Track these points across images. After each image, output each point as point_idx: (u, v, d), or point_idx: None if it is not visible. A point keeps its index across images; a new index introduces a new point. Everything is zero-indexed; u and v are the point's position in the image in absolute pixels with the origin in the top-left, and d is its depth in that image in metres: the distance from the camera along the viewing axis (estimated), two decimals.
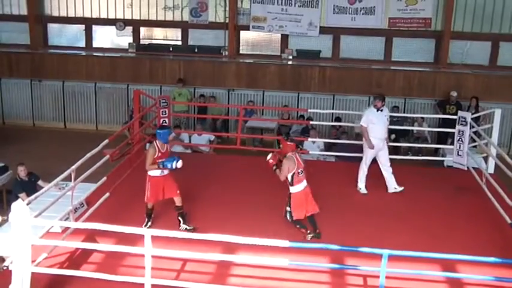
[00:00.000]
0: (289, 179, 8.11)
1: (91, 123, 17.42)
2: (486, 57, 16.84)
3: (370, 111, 10.03)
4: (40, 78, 17.32)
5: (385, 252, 6.16)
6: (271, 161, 8.41)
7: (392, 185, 10.06)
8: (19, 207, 6.34)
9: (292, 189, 8.18)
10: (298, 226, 8.29)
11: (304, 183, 8.21)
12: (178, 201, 8.37)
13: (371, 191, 10.18)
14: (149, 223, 8.45)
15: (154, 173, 8.25)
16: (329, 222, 8.79)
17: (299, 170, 8.12)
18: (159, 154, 8.21)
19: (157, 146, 8.25)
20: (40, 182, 10.25)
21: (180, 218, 8.41)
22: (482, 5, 16.54)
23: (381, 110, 9.88)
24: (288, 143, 8.32)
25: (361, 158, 12.90)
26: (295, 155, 8.18)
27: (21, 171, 10.19)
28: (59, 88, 17.29)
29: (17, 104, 17.52)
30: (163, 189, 8.32)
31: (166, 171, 8.28)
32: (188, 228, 8.29)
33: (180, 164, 8.12)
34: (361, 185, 10.14)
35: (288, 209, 8.27)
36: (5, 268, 7.22)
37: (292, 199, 8.19)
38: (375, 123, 9.86)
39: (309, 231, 8.27)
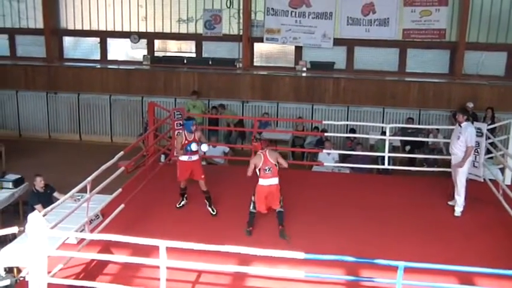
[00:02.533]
0: (257, 173, 8.78)
1: (106, 135, 17.52)
2: (502, 67, 16.74)
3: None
4: (56, 90, 17.47)
5: (401, 264, 6.14)
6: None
7: (458, 210, 9.58)
8: (35, 218, 6.40)
9: (259, 182, 8.76)
10: (248, 219, 8.85)
11: (270, 181, 8.71)
12: (202, 185, 9.49)
13: (387, 202, 10.13)
14: (182, 202, 9.69)
15: (182, 158, 9.43)
16: (344, 234, 8.79)
17: (266, 167, 8.68)
18: (186, 141, 9.31)
19: (184, 135, 9.43)
20: (56, 194, 10.30)
21: (206, 201, 9.53)
22: (497, 16, 16.48)
23: (460, 126, 9.57)
24: (254, 143, 9.63)
25: (375, 170, 12.96)
26: (263, 153, 8.78)
27: (40, 182, 10.24)
28: (74, 100, 17.43)
29: (33, 117, 17.69)
30: (191, 172, 9.47)
31: (194, 157, 9.45)
32: (212, 213, 9.44)
33: (203, 147, 9.48)
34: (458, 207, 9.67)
35: (252, 198, 8.88)
36: (21, 279, 7.27)
37: (256, 190, 8.81)
38: (452, 137, 9.88)
39: (249, 227, 8.78)
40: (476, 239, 8.74)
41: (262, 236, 8.53)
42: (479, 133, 11.09)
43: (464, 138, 9.35)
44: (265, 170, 8.70)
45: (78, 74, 17.47)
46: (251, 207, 8.87)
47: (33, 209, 9.51)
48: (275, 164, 8.75)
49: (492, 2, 16.44)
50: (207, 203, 9.52)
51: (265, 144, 8.99)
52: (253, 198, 8.86)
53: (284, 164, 8.92)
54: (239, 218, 9.31)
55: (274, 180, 8.74)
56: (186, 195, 9.74)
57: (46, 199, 10.03)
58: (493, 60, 16.74)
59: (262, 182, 8.73)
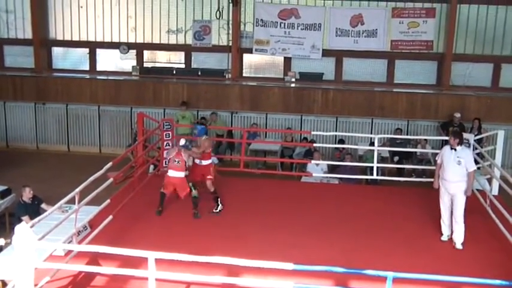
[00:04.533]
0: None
1: (94, 146, 17.42)
2: (488, 79, 16.89)
3: (445, 147, 9.14)
4: (44, 101, 17.36)
5: (390, 274, 6.13)
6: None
7: (459, 241, 8.91)
8: (22, 230, 6.34)
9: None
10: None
11: (175, 173, 9.77)
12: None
13: (376, 213, 10.15)
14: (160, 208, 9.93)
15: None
16: (333, 244, 8.78)
17: (176, 159, 9.76)
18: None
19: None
20: (43, 205, 10.20)
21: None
22: (483, 28, 16.65)
23: (455, 150, 8.87)
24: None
25: (363, 180, 12.94)
26: (177, 147, 9.99)
27: (28, 193, 10.14)
28: (62, 111, 17.32)
29: (21, 127, 17.55)
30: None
31: (179, 173, 9.80)
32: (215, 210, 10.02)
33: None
34: (444, 230, 9.18)
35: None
36: None
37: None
38: (446, 163, 8.95)
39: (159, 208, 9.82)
40: (464, 249, 8.76)
41: (251, 247, 8.49)
42: (466, 143, 11.18)
43: (464, 164, 8.72)
44: (175, 161, 9.85)
45: (67, 84, 17.36)
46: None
47: (20, 221, 9.42)
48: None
49: (478, 15, 16.62)
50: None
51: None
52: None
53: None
54: (227, 228, 9.31)
55: (177, 173, 9.82)
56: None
57: (33, 210, 9.93)
58: (479, 72, 16.89)
59: (169, 171, 9.89)
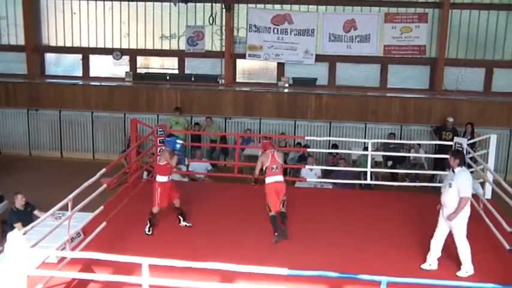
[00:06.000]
0: (263, 171, 9.34)
1: (88, 152, 17.38)
2: (480, 83, 16.95)
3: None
4: (37, 107, 17.33)
5: (384, 279, 6.13)
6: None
7: (463, 270, 8.08)
8: (15, 237, 6.31)
9: (266, 181, 9.29)
10: (271, 223, 9.14)
11: (277, 177, 9.24)
12: (178, 203, 9.52)
13: (370, 218, 10.15)
14: (151, 228, 9.25)
15: (161, 179, 9.28)
16: (328, 249, 8.77)
17: (273, 166, 9.22)
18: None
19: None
20: (36, 212, 10.16)
21: (180, 217, 9.55)
22: (475, 33, 16.73)
23: (453, 171, 8.09)
24: (264, 141, 10.00)
25: (357, 185, 12.95)
26: (271, 152, 9.34)
27: (20, 200, 10.11)
28: (55, 117, 17.29)
29: (13, 134, 17.50)
30: (169, 193, 9.38)
31: (172, 176, 9.55)
32: (187, 225, 9.47)
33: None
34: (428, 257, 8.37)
35: (267, 202, 9.24)
36: None
37: (266, 190, 9.27)
38: (442, 185, 8.38)
39: (276, 233, 9.00)
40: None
41: (245, 252, 8.47)
42: (459, 148, 11.22)
43: (456, 187, 7.84)
44: (272, 168, 9.24)
45: (60, 90, 17.35)
46: (269, 212, 9.21)
47: (12, 228, 9.37)
48: (281, 164, 9.40)
49: (470, 20, 16.69)
50: (181, 218, 9.59)
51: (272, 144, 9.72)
52: (267, 201, 9.22)
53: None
54: (221, 234, 9.29)
55: (280, 178, 9.30)
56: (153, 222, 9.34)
57: (26, 217, 9.89)
58: (472, 76, 16.96)
59: (269, 179, 9.24)
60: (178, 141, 9.60)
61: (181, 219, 9.56)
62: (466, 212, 7.97)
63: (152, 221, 9.23)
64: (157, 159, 9.63)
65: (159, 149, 11.35)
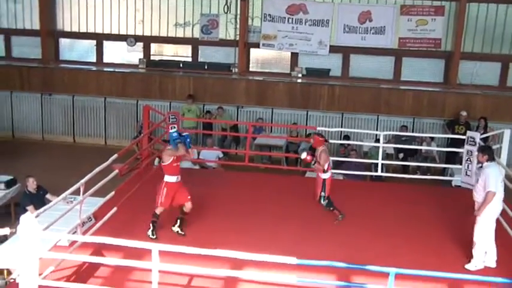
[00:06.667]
0: (325, 167, 9.38)
1: (100, 138, 17.48)
2: (496, 78, 16.84)
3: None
4: (50, 92, 17.43)
5: (392, 270, 6.15)
6: (308, 157, 9.55)
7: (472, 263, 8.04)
8: (28, 220, 6.37)
9: (325, 176, 9.44)
10: (331, 208, 9.51)
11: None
12: (189, 207, 8.79)
13: (380, 210, 10.16)
14: (154, 231, 8.66)
15: (170, 179, 8.68)
16: (337, 240, 8.80)
17: (329, 160, 9.52)
18: (175, 158, 8.70)
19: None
20: (48, 196, 10.28)
21: (178, 221, 8.81)
22: (492, 26, 16.60)
23: (481, 167, 8.20)
24: (320, 138, 9.57)
25: (368, 177, 12.91)
26: (327, 147, 9.56)
27: (32, 183, 10.23)
28: (69, 102, 17.39)
29: (27, 118, 17.63)
30: (175, 194, 8.73)
31: (179, 177, 8.77)
32: (180, 232, 8.74)
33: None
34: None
35: (322, 194, 9.43)
36: (12, 281, 7.25)
37: (327, 184, 9.43)
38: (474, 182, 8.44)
39: (341, 214, 9.48)
40: (468, 246, 8.73)
41: (254, 241, 8.51)
42: (471, 142, 11.19)
43: (482, 181, 7.83)
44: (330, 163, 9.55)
45: (74, 76, 17.43)
46: (327, 202, 9.49)
47: (25, 210, 9.51)
48: None
49: (487, 13, 16.56)
50: (179, 222, 8.81)
51: (325, 140, 9.71)
52: (323, 193, 9.46)
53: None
54: (232, 221, 9.34)
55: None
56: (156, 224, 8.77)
57: (38, 200, 10.01)
58: (487, 70, 16.85)
59: (329, 173, 9.51)
60: (171, 131, 8.92)
61: (178, 223, 8.79)
62: (493, 207, 7.89)
63: (155, 223, 8.66)
64: (162, 160, 8.94)
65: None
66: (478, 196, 7.97)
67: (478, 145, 11.04)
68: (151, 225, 8.63)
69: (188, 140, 8.90)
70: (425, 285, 6.97)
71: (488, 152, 8.08)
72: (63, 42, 18.61)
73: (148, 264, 6.41)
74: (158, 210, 8.69)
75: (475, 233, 8.02)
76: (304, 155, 9.61)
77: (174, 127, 9.26)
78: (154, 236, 8.55)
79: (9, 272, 8.06)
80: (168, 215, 8.81)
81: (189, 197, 8.75)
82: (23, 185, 10.88)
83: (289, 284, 7.07)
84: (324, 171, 9.43)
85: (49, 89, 17.41)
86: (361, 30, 16.86)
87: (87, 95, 17.27)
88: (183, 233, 8.74)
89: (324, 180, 9.41)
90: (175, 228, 8.77)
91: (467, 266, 8.01)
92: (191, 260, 6.88)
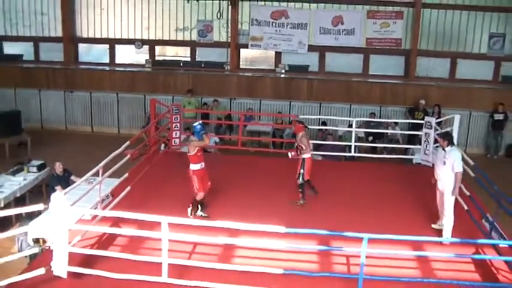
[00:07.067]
0: (304, 149, 9.03)
1: (114, 128, 17.33)
2: (446, 71, 16.85)
3: (439, 148, 8.20)
4: (72, 89, 17.26)
5: (366, 235, 6.17)
6: (293, 153, 9.18)
7: (447, 233, 7.88)
8: (58, 197, 6.39)
9: (305, 155, 9.05)
10: (300, 190, 9.06)
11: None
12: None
13: (355, 184, 10.15)
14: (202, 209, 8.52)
15: (196, 167, 8.34)
16: (320, 211, 8.81)
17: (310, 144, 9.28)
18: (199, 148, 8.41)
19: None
20: (73, 177, 10.23)
21: (199, 205, 8.54)
22: (443, 28, 16.58)
23: (444, 150, 7.94)
24: (300, 125, 9.34)
25: (344, 157, 12.85)
26: (306, 132, 9.38)
27: (58, 167, 10.21)
28: (87, 98, 17.22)
29: (53, 111, 17.43)
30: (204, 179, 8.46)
31: (203, 164, 8.42)
32: (203, 215, 8.43)
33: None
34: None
35: (301, 171, 9.03)
36: (47, 248, 7.25)
37: (306, 163, 9.06)
38: (436, 162, 8.24)
39: (303, 199, 9.03)
40: (426, 214, 8.77)
41: (248, 214, 8.49)
42: (429, 126, 11.22)
43: (450, 164, 7.75)
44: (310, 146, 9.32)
45: (91, 75, 17.26)
46: (301, 183, 9.08)
47: (54, 190, 9.44)
48: None
49: (438, 18, 16.56)
50: (200, 207, 8.55)
51: (305, 126, 9.51)
52: (302, 170, 9.05)
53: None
54: (228, 197, 9.31)
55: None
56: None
57: (64, 181, 9.99)
58: (439, 65, 16.82)
59: (309, 155, 9.15)
60: (198, 128, 8.39)
61: (200, 207, 8.55)
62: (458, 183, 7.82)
63: (202, 204, 8.48)
64: (188, 150, 8.46)
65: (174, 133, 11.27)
66: (443, 175, 7.81)
67: (433, 128, 11.10)
68: (198, 206, 8.42)
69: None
70: (394, 247, 7.01)
71: (448, 137, 7.98)
72: (82, 46, 18.38)
73: (159, 234, 6.40)
74: (199, 197, 8.40)
75: (446, 207, 7.84)
76: (290, 155, 9.25)
77: (200, 122, 8.55)
78: (206, 214, 8.37)
79: (44, 241, 8.11)
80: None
81: (209, 183, 8.53)
82: (51, 168, 10.81)
83: (278, 249, 7.07)
84: (305, 152, 9.16)
85: (70, 86, 17.22)
86: (334, 32, 16.77)
87: (102, 91, 17.10)
88: (206, 215, 8.43)
89: (304, 159, 9.13)
90: (199, 213, 8.47)
91: (445, 237, 7.79)
92: (195, 230, 6.87)
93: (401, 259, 7.10)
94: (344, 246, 6.69)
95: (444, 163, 7.81)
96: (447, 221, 7.85)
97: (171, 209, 8.46)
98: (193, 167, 8.35)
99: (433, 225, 8.28)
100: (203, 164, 8.42)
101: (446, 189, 7.82)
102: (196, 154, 8.33)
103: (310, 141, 13.29)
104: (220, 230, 6.82)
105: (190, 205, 8.45)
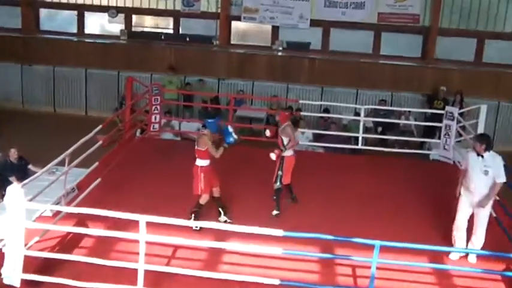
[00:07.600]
0: (286, 143, 8.47)
1: (81, 109, 17.16)
2: (471, 53, 16.84)
3: (470, 153, 7.57)
4: (31, 62, 17.03)
5: (377, 243, 6.12)
6: (277, 152, 8.53)
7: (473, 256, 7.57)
8: (14, 190, 6.26)
9: (285, 153, 8.50)
10: (275, 198, 8.57)
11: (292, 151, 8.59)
12: (217, 191, 8.27)
13: (361, 182, 10.11)
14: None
15: (205, 163, 8.02)
16: (320, 212, 8.75)
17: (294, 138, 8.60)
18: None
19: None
20: (30, 166, 10.12)
21: (221, 210, 8.30)
22: (469, 3, 16.53)
23: (482, 156, 7.33)
24: (285, 113, 8.77)
25: (348, 150, 12.81)
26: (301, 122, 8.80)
27: (13, 154, 10.11)
28: (49, 73, 17.00)
29: (7, 87, 17.18)
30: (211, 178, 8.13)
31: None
32: (228, 221, 8.12)
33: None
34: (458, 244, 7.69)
35: (279, 173, 8.52)
36: None
37: (285, 163, 8.50)
38: (471, 172, 7.41)
39: (278, 211, 8.53)
40: (445, 219, 8.74)
41: (238, 212, 8.42)
42: (450, 117, 11.20)
43: (492, 173, 7.22)
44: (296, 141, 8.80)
45: (54, 46, 17.05)
46: (277, 189, 8.56)
47: (7, 180, 9.37)
48: None
49: None
50: (222, 212, 8.28)
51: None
52: (280, 172, 8.51)
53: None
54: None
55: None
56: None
57: (20, 170, 9.91)
58: (463, 46, 16.82)
59: (290, 152, 8.59)
60: (230, 129, 8.18)
61: (222, 212, 8.28)
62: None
63: (198, 214, 7.97)
64: (197, 143, 8.08)
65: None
66: (484, 187, 7.28)
67: (456, 120, 11.07)
68: (193, 215, 7.91)
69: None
70: (408, 257, 6.97)
71: (486, 141, 7.34)
72: (44, 12, 18.13)
73: (136, 236, 6.30)
74: (203, 200, 8.03)
75: (480, 228, 7.43)
76: (273, 156, 8.50)
77: (232, 133, 8.23)
78: (199, 228, 7.64)
79: None
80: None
81: (218, 182, 8.26)
82: (4, 155, 10.62)
83: (274, 255, 6.99)
84: (285, 149, 8.52)
85: (29, 59, 17.00)
86: (341, 5, 16.68)
87: (67, 66, 16.90)
88: (230, 220, 8.12)
89: (283, 158, 8.50)
90: (222, 218, 8.19)
91: (471, 261, 7.47)
92: (174, 232, 6.79)
93: (418, 272, 7.05)
94: (351, 254, 6.64)
95: (486, 172, 7.25)
96: (479, 243, 7.45)
97: (149, 205, 8.34)
98: (201, 162, 8.02)
99: (451, 257, 7.59)
100: (210, 160, 8.09)
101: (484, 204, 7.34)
102: (207, 149, 8.02)
103: (310, 131, 13.41)
104: (207, 231, 6.73)
105: (193, 214, 7.93)
